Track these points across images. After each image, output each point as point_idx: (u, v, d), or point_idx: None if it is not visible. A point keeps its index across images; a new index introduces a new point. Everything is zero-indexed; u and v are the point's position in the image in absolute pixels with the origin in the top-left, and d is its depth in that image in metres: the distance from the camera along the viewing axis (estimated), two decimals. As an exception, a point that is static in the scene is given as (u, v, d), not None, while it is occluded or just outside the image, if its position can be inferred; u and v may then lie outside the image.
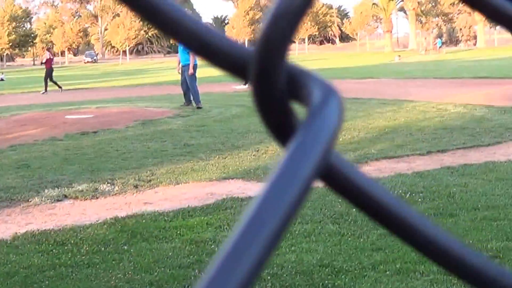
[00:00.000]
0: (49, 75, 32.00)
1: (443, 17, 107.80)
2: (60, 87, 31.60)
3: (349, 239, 6.14)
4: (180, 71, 19.80)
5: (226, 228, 6.61)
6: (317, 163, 0.33)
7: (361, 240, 6.08)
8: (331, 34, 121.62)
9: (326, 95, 0.37)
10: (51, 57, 33.16)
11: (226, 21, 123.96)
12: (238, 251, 0.31)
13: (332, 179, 0.39)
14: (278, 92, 0.37)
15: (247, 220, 0.32)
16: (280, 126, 0.38)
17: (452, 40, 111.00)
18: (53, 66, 32.92)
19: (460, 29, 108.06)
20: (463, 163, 9.48)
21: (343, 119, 0.37)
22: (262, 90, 0.37)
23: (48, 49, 37.14)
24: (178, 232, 6.50)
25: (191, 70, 19.06)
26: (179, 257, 5.76)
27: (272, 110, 0.38)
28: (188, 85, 19.19)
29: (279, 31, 0.36)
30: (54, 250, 5.94)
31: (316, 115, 0.35)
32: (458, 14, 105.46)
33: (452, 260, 0.45)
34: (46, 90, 31.55)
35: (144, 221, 6.93)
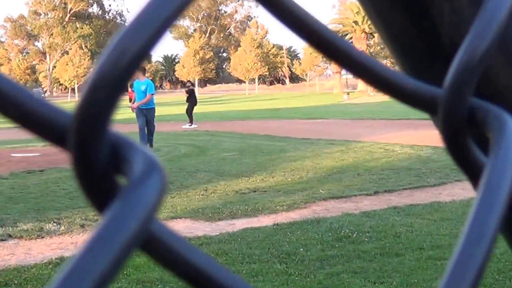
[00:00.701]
0: None
1: (391, 60, 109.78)
2: None
3: (296, 278, 6.16)
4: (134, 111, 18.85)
5: (173, 267, 6.56)
6: (134, 234, 0.31)
7: (308, 279, 6.10)
8: (281, 75, 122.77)
9: (148, 166, 0.34)
10: None
11: (176, 60, 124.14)
12: None
13: (153, 248, 0.37)
14: (99, 165, 0.34)
15: None
16: (98, 198, 0.35)
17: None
18: None
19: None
20: (409, 203, 9.62)
21: (163, 194, 0.34)
22: (81, 162, 0.34)
23: None
24: (125, 272, 6.42)
25: (136, 104, 18.56)
26: (125, 298, 5.70)
27: (93, 183, 0.34)
28: (149, 130, 18.40)
29: (101, 97, 0.33)
30: None
31: (135, 187, 0.33)
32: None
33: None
34: None
35: (90, 261, 6.84)
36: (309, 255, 6.87)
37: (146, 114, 18.13)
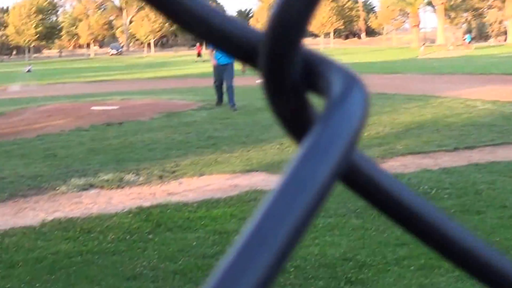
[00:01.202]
0: None
1: (472, 12, 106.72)
2: None
3: (373, 233, 6.11)
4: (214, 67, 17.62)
5: (249, 220, 6.60)
6: (336, 163, 0.29)
7: (385, 235, 6.05)
8: (356, 29, 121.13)
9: (349, 85, 0.32)
10: None
11: (250, 15, 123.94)
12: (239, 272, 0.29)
13: (354, 180, 0.35)
14: (292, 82, 0.32)
15: (255, 228, 0.29)
16: (295, 120, 0.33)
17: (482, 35, 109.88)
18: None
19: (490, 24, 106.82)
20: (491, 160, 9.37)
21: (368, 113, 0.31)
22: (273, 80, 0.33)
23: None
24: (202, 222, 6.51)
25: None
26: (203, 247, 5.77)
27: (285, 102, 0.33)
28: (228, 86, 17.29)
29: (295, 10, 0.31)
30: (80, 238, 5.99)
31: (337, 108, 0.31)
32: (488, 9, 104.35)
33: (476, 264, 0.41)
34: None
35: (168, 211, 6.95)
36: (386, 210, 6.79)
37: (224, 70, 17.18)
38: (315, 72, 0.33)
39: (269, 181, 8.42)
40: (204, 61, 62.37)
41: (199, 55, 66.72)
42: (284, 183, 0.29)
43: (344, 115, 0.30)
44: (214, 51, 17.19)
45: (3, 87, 31.20)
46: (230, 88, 17.21)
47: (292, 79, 0.32)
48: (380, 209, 0.36)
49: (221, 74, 17.23)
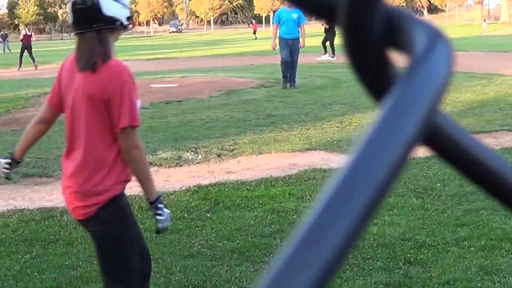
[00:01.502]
0: (24, 50, 31.97)
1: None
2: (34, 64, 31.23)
3: (433, 213, 6.03)
4: (277, 47, 16.79)
5: (308, 198, 6.60)
6: (419, 124, 0.27)
7: (445, 215, 5.96)
8: (419, 5, 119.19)
9: (433, 40, 0.30)
10: (28, 34, 33.06)
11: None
12: (327, 221, 0.27)
13: (437, 143, 0.33)
14: (373, 38, 0.31)
15: (334, 191, 0.27)
16: (375, 78, 0.32)
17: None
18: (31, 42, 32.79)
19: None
20: (554, 139, 9.15)
21: (453, 70, 0.30)
22: (354, 36, 0.31)
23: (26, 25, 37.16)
24: (260, 201, 6.53)
25: (303, 43, 16.71)
26: (260, 226, 5.78)
27: (365, 59, 0.32)
28: (293, 62, 16.41)
29: None
30: (138, 215, 6.04)
31: (420, 65, 0.29)
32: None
33: None
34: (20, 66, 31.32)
35: (226, 189, 6.99)
36: (446, 191, 6.70)
37: (291, 45, 16.25)
38: (397, 28, 0.32)
39: (328, 160, 8.39)
40: (256, 38, 62.43)
41: (254, 32, 66.79)
42: (367, 143, 0.27)
43: (429, 72, 0.29)
44: (279, 26, 16.37)
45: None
46: (295, 65, 16.57)
47: (373, 36, 0.31)
48: (462, 171, 0.34)
49: (288, 50, 16.28)
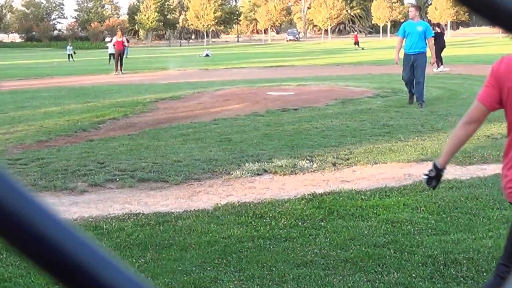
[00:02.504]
0: (117, 55, 32.35)
1: None
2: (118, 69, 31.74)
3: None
4: (400, 62, 15.40)
5: (423, 209, 6.47)
6: None
7: None
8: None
9: None
10: (120, 40, 33.24)
11: (429, 2, 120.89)
12: None
13: None
14: None
15: None
16: None
17: None
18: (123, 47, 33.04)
19: None
20: None
21: None
22: None
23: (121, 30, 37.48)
24: (375, 211, 6.45)
25: (433, 59, 16.01)
26: (374, 236, 5.71)
27: None
28: (419, 77, 15.01)
29: None
30: (253, 222, 6.10)
31: None
32: None
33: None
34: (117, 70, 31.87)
35: (341, 198, 6.94)
36: None
37: (414, 60, 15.00)
38: None
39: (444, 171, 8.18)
40: (362, 48, 61.75)
41: (356, 43, 66.21)
42: None
43: None
44: (404, 39, 15.24)
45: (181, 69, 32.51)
46: (420, 81, 15.06)
47: None
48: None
49: (410, 69, 15.13)
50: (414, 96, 15.27)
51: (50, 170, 8.84)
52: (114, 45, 33.26)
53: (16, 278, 4.84)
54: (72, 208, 7.07)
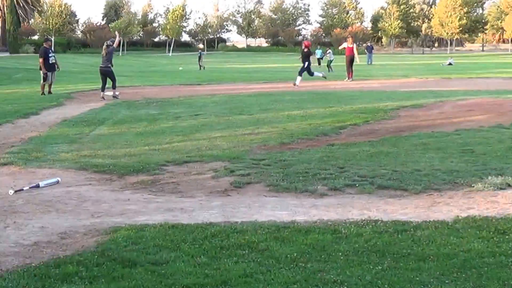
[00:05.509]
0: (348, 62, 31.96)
1: None
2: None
3: None
4: None
5: None
6: None
7: None
8: None
9: None
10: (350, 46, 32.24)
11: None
12: None
13: None
14: None
15: None
16: None
17: None
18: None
19: None
20: None
21: None
22: None
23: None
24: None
25: None
26: None
27: None
28: None
29: None
30: (494, 238, 5.91)
31: None
32: None
33: None
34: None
35: None
36: None
37: None
38: None
39: None
40: None
41: None
42: None
43: None
44: None
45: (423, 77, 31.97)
46: None
47: None
48: None
49: None
50: None
51: (291, 172, 9.19)
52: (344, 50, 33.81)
53: (257, 274, 5.09)
54: (311, 210, 7.29)
